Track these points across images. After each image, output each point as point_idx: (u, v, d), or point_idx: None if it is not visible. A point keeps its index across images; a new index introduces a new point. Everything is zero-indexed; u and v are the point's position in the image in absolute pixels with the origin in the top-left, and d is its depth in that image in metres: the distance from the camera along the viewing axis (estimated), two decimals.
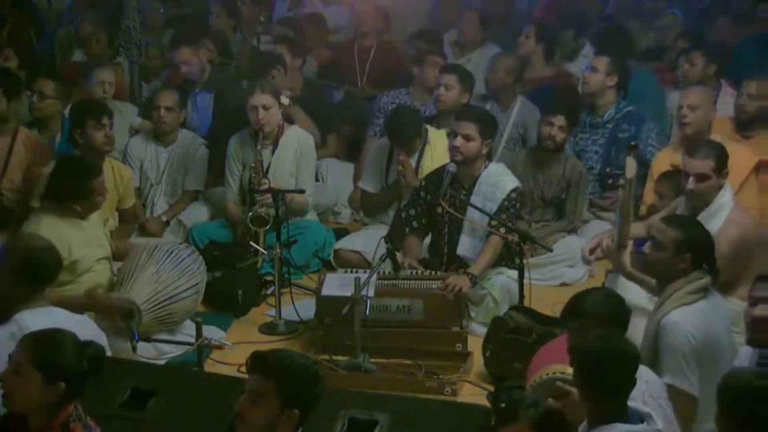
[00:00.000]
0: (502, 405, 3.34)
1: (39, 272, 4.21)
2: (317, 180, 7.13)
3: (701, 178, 5.12)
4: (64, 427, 3.34)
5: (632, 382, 3.37)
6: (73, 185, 5.24)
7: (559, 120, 6.43)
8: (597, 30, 8.73)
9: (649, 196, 6.17)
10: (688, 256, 4.23)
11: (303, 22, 8.99)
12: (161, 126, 6.90)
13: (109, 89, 7.15)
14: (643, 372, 3.64)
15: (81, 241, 5.19)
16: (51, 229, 5.06)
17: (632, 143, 5.50)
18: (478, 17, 8.56)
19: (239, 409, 3.21)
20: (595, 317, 3.82)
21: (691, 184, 5.15)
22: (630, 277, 4.86)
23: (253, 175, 6.36)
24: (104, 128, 6.09)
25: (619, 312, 3.90)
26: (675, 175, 5.69)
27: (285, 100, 6.49)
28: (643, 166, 6.39)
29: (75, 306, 4.68)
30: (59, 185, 5.31)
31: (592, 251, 5.33)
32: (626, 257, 4.92)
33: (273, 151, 6.49)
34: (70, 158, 5.81)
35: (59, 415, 3.35)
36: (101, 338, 4.32)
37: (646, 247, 4.35)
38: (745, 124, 6.49)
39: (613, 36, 8.23)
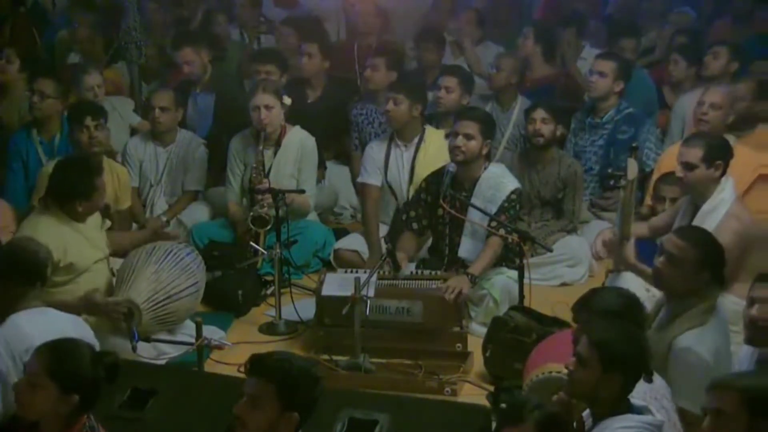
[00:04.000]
0: (504, 406, 3.34)
1: (28, 273, 4.21)
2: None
3: (688, 166, 5.13)
4: None
5: (640, 377, 3.41)
6: (76, 184, 5.18)
7: (539, 113, 6.43)
8: (607, 23, 8.69)
9: (650, 196, 6.18)
10: (706, 273, 4.18)
11: (305, 21, 8.99)
12: (157, 126, 6.91)
13: (100, 92, 7.12)
14: None
15: (77, 242, 5.18)
16: (47, 230, 5.06)
17: (633, 145, 5.53)
18: (476, 17, 8.57)
19: (239, 412, 3.20)
20: (607, 315, 3.79)
21: (679, 171, 5.19)
22: (633, 269, 4.86)
23: (254, 175, 6.36)
24: (88, 129, 6.08)
25: (631, 312, 3.88)
26: (676, 176, 5.69)
27: (287, 101, 6.49)
28: (641, 168, 6.40)
29: (73, 310, 4.69)
30: (62, 185, 5.24)
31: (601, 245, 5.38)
32: (629, 250, 4.93)
33: (275, 152, 6.49)
34: (71, 158, 5.76)
35: (73, 426, 3.35)
36: (93, 339, 4.33)
37: (660, 263, 4.26)
38: (734, 125, 6.50)
39: (624, 30, 8.22)
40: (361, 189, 6.80)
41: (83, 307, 4.95)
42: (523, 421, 3.15)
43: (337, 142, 7.73)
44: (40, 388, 3.32)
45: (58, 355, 3.38)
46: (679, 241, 4.24)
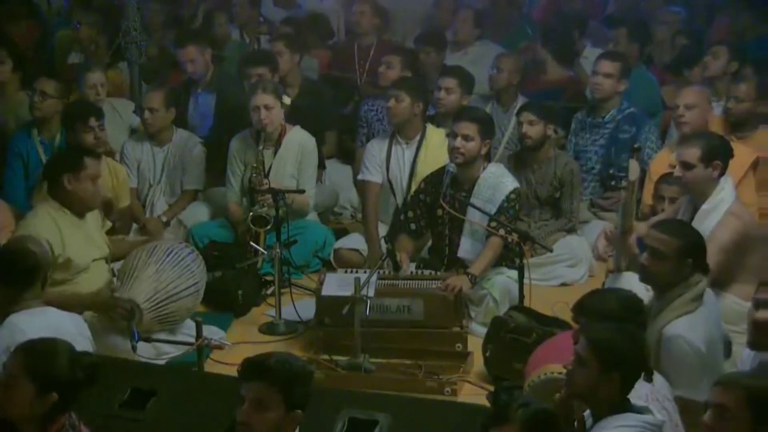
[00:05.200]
0: (490, 407, 3.34)
1: (26, 274, 4.22)
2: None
3: (686, 166, 5.13)
4: None
5: (640, 376, 3.42)
6: (63, 158, 5.27)
7: (525, 116, 6.43)
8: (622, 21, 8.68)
9: (648, 197, 6.18)
10: (689, 261, 4.24)
11: (306, 21, 9.02)
12: (147, 127, 6.90)
13: (102, 90, 7.13)
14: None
15: (76, 238, 5.19)
16: (46, 225, 5.08)
17: (635, 145, 5.53)
18: (472, 16, 8.58)
19: (244, 419, 3.18)
20: (607, 317, 3.78)
21: (678, 171, 5.19)
22: (635, 261, 4.87)
23: (254, 175, 6.35)
24: (93, 130, 6.10)
25: (632, 313, 3.88)
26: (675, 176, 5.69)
27: (287, 100, 6.49)
28: (642, 168, 6.40)
29: (76, 306, 4.71)
30: (51, 162, 5.37)
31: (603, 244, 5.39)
32: (631, 240, 4.93)
33: (275, 152, 6.49)
34: (56, 155, 5.80)
35: (51, 426, 3.32)
36: (90, 338, 4.37)
37: (644, 259, 4.32)
38: (736, 126, 6.51)
39: (637, 29, 8.20)
40: (361, 186, 6.81)
41: (89, 303, 4.98)
42: (509, 421, 3.15)
43: (335, 139, 7.73)
44: (17, 387, 3.29)
45: (35, 354, 3.36)
46: (660, 235, 4.29)
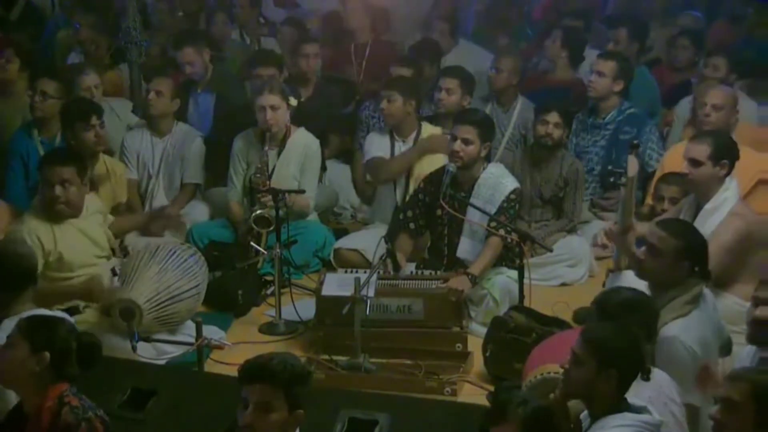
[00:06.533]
0: (489, 405, 3.35)
1: (16, 278, 4.26)
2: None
3: (694, 163, 5.13)
4: (59, 401, 3.42)
5: (637, 374, 3.43)
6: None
7: (553, 117, 6.44)
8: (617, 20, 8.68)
9: (649, 197, 6.18)
10: (686, 263, 4.22)
11: (322, 20, 9.06)
12: (149, 109, 6.87)
13: (97, 92, 7.12)
14: (655, 374, 3.65)
15: (69, 236, 5.21)
16: (37, 224, 5.14)
17: (634, 142, 5.53)
18: (448, 28, 8.58)
19: (250, 422, 3.18)
20: (616, 317, 3.77)
21: (685, 168, 5.18)
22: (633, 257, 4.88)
23: (258, 175, 6.35)
24: (93, 128, 6.12)
25: (630, 313, 3.86)
26: (676, 176, 5.68)
27: (293, 101, 6.49)
28: (643, 168, 6.40)
29: (68, 295, 4.74)
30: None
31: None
32: (630, 238, 4.93)
33: (279, 153, 6.49)
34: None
35: (52, 391, 3.44)
36: None
37: (641, 253, 4.31)
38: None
39: (634, 27, 8.21)
40: (371, 164, 6.74)
41: (80, 292, 5.01)
42: (508, 419, 3.15)
43: (337, 140, 7.74)
44: (13, 347, 3.48)
45: (34, 319, 3.59)
46: (660, 232, 4.27)
